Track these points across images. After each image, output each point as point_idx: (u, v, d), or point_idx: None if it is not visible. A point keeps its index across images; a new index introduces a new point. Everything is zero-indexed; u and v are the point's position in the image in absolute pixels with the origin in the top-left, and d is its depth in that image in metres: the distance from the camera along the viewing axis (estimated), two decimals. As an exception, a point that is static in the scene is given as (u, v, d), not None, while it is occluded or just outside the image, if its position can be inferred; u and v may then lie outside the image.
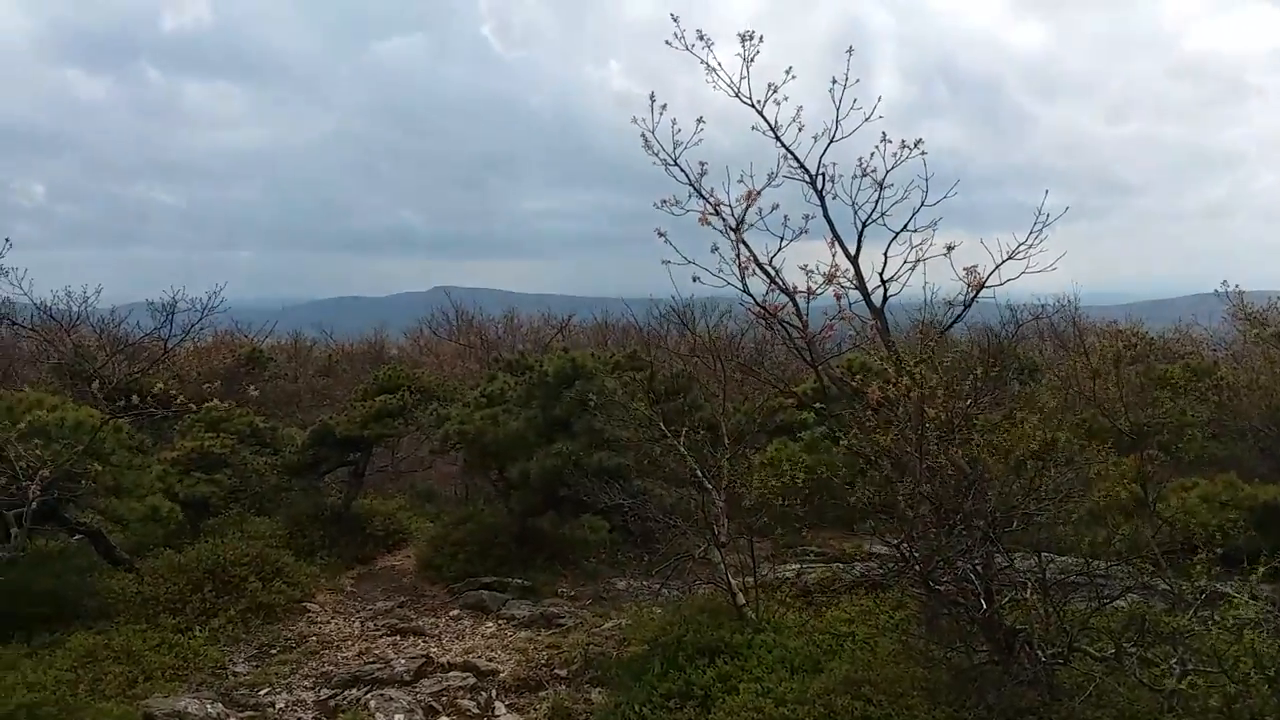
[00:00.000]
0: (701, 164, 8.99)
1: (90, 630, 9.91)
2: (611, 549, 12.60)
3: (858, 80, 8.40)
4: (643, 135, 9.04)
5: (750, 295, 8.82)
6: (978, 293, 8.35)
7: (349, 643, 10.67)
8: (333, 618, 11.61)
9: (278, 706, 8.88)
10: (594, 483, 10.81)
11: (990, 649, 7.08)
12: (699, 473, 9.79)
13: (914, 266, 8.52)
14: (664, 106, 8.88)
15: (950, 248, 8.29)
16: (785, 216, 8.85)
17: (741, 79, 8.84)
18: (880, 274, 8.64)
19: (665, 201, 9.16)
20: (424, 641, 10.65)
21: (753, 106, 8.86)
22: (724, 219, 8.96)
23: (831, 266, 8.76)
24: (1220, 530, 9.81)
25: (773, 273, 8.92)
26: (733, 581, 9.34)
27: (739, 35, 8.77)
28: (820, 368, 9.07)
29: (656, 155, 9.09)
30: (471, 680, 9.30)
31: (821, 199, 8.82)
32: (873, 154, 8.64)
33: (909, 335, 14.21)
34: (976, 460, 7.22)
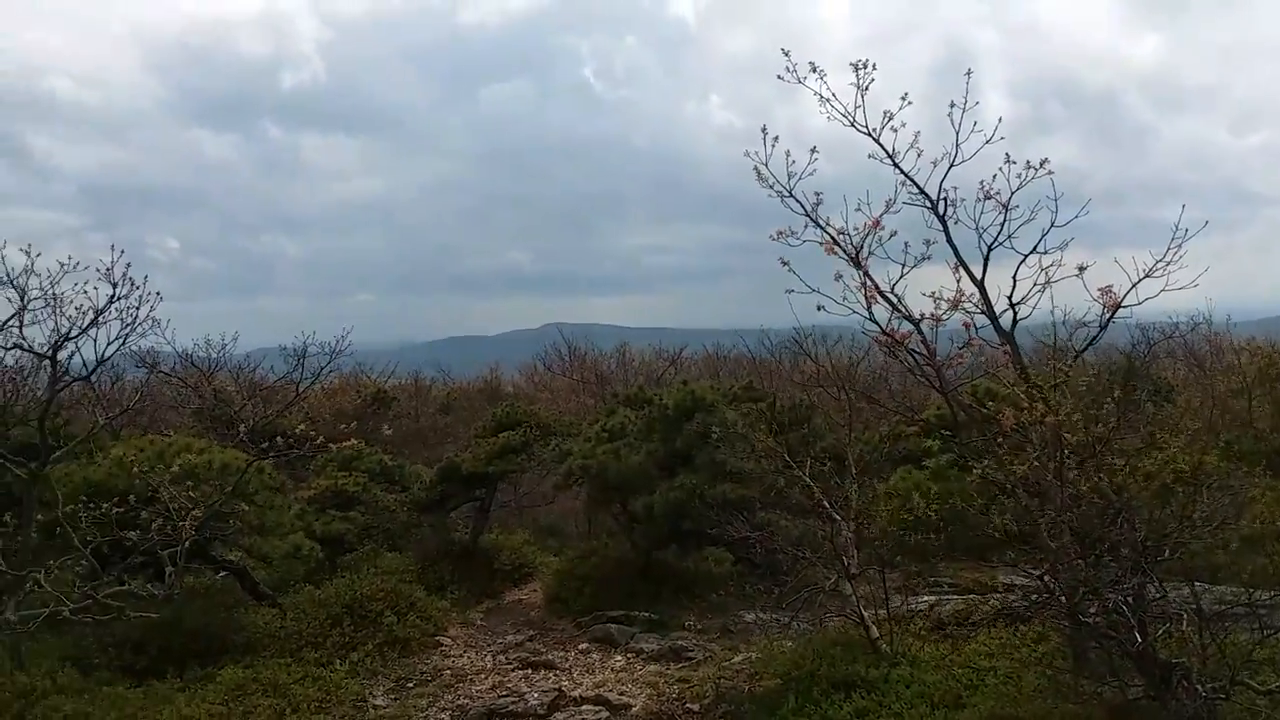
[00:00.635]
0: (817, 194, 8.93)
1: (238, 664, 10.31)
2: (737, 581, 12.52)
3: (977, 103, 8.28)
4: (755, 168, 9.03)
5: (876, 323, 8.71)
6: (1114, 313, 8.08)
7: (482, 676, 10.86)
8: (465, 651, 11.84)
9: (418, 739, 9.09)
10: (718, 515, 10.79)
11: (1145, 684, 6.80)
12: (825, 503, 9.68)
13: (1044, 289, 8.31)
14: (775, 139, 8.85)
15: (1083, 268, 8.05)
16: (905, 243, 8.74)
17: (856, 107, 8.80)
18: (1009, 297, 8.45)
19: (781, 233, 9.10)
20: (555, 675, 10.76)
21: (869, 134, 8.79)
22: (843, 248, 8.90)
23: (956, 292, 8.60)
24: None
25: (895, 300, 8.81)
26: (865, 614, 9.19)
27: (851, 64, 8.73)
28: (950, 395, 8.88)
29: (771, 187, 9.07)
30: (604, 714, 9.35)
31: (944, 224, 8.68)
32: (994, 176, 8.50)
33: (1033, 359, 13.80)
34: (1122, 487, 6.97)
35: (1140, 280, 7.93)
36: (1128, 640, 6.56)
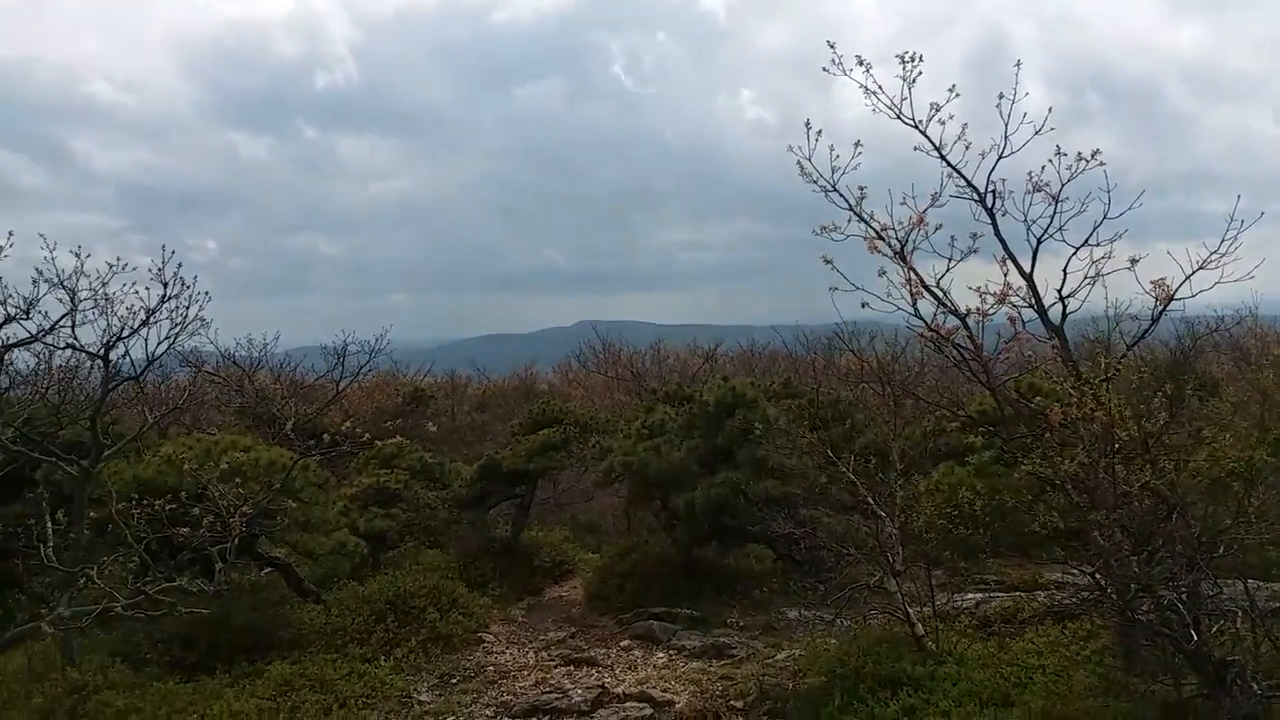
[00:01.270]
0: (861, 188, 8.85)
1: (285, 660, 10.41)
2: (780, 578, 12.48)
3: (1026, 94, 8.19)
4: (798, 163, 8.98)
5: (921, 318, 8.64)
6: (1166, 306, 7.96)
7: (525, 672, 10.90)
8: (507, 648, 11.88)
9: (464, 735, 9.13)
10: (760, 512, 10.75)
11: (1199, 682, 6.69)
12: (869, 500, 9.61)
13: (1094, 282, 8.20)
14: (819, 133, 8.81)
15: (1134, 260, 7.94)
16: (952, 237, 8.66)
17: (903, 100, 8.74)
18: (1059, 290, 8.34)
19: (825, 228, 9.04)
20: (598, 672, 10.76)
21: (915, 127, 8.73)
22: (888, 243, 8.82)
23: (1004, 285, 8.51)
24: None
25: (940, 294, 8.72)
26: (910, 611, 9.12)
27: (897, 57, 8.66)
28: (997, 390, 8.78)
29: (815, 182, 9.02)
30: (648, 711, 9.35)
31: (992, 217, 8.60)
32: (1043, 168, 8.40)
33: (1077, 352, 13.62)
34: (1175, 483, 6.86)
35: (1195, 271, 7.81)
36: (1182, 638, 6.45)
